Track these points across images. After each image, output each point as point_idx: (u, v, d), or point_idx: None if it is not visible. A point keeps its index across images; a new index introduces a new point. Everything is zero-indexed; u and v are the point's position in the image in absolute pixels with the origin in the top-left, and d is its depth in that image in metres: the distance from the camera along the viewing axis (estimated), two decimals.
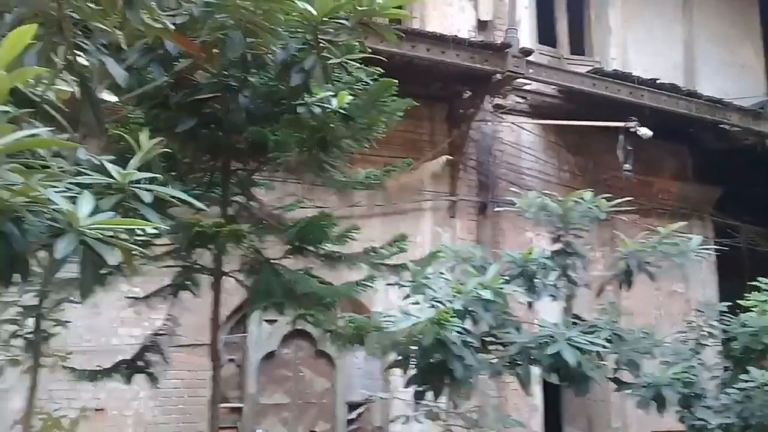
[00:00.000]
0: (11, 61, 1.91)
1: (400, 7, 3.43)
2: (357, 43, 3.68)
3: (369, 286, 4.45)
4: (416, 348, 4.00)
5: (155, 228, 2.24)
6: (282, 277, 4.09)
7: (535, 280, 4.71)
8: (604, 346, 4.31)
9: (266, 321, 7.06)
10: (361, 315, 4.73)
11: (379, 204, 7.56)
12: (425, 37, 7.29)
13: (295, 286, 4.09)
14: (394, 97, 4.07)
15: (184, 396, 6.51)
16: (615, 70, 9.01)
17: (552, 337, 4.24)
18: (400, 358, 4.18)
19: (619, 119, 8.08)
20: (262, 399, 7.16)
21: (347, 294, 4.43)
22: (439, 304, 4.08)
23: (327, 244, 4.30)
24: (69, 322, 3.82)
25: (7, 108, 1.95)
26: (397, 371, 4.29)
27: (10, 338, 3.69)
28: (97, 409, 6.01)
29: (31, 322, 3.54)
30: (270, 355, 7.22)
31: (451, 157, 7.96)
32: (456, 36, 7.66)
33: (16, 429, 4.63)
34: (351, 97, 3.77)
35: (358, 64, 3.72)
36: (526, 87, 8.59)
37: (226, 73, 3.65)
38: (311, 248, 4.27)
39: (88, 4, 2.49)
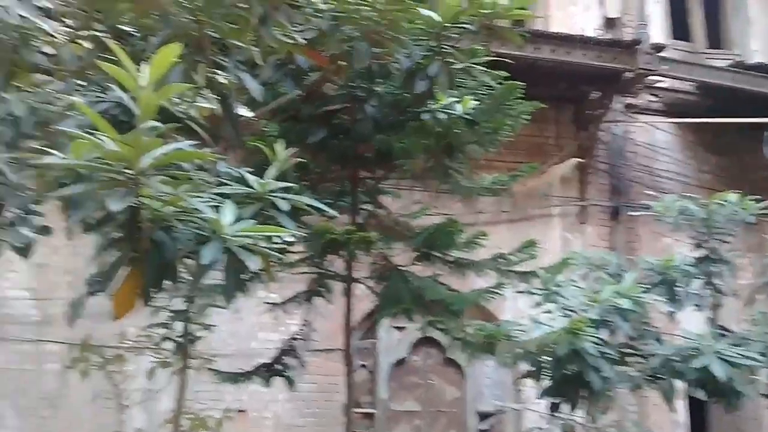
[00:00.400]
0: (158, 79, 2.06)
1: (523, 9, 3.39)
2: (481, 48, 3.66)
3: (497, 293, 4.39)
4: (549, 358, 3.91)
5: (292, 235, 2.32)
6: (410, 283, 4.12)
7: (677, 289, 4.47)
8: (756, 360, 4.00)
9: (395, 327, 7.13)
10: (489, 323, 4.68)
11: (505, 210, 7.44)
12: (549, 37, 7.12)
13: (423, 292, 4.10)
14: (520, 100, 4.00)
15: (319, 400, 6.69)
16: (758, 62, 8.37)
17: (698, 349, 4.00)
18: (532, 368, 4.10)
19: (765, 115, 7.49)
20: (393, 405, 7.23)
21: (475, 301, 4.39)
22: (572, 313, 3.97)
23: (454, 251, 4.28)
24: (214, 326, 4.04)
25: (156, 123, 2.10)
26: (529, 382, 4.20)
27: (161, 341, 3.96)
28: (239, 411, 6.29)
29: (179, 325, 3.78)
30: (400, 362, 7.27)
31: (581, 160, 7.71)
32: (581, 35, 7.44)
33: (166, 428, 4.94)
34: (476, 102, 3.74)
35: (483, 68, 3.70)
36: (660, 84, 8.16)
37: (352, 84, 3.74)
38: (438, 255, 4.27)
39: (226, 23, 2.64)
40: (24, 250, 2.93)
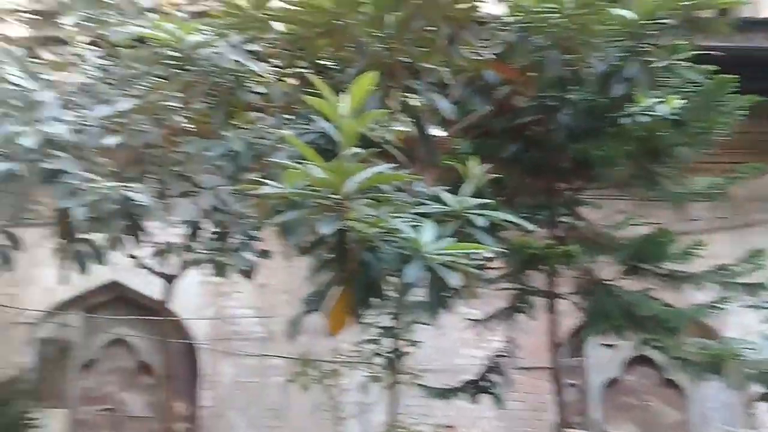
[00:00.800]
0: (357, 108, 2.18)
1: None
2: (684, 42, 3.43)
3: (721, 308, 4.03)
4: None
5: (490, 251, 2.32)
6: (619, 298, 3.91)
7: None
8: None
9: (604, 345, 6.79)
10: (711, 340, 4.30)
11: (723, 216, 6.81)
12: (762, 24, 6.46)
13: (634, 308, 3.88)
14: (734, 95, 3.67)
15: (527, 418, 6.54)
16: None
17: None
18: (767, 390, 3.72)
19: None
20: (607, 427, 6.88)
21: (696, 317, 4.06)
22: None
23: (667, 263, 4.01)
24: (420, 342, 4.13)
25: (357, 150, 2.22)
26: (764, 405, 3.80)
27: (371, 357, 4.14)
28: (448, 426, 6.35)
29: (388, 341, 3.92)
30: (612, 382, 6.92)
31: None
32: None
33: None
34: (682, 101, 3.51)
35: (688, 64, 3.45)
36: None
37: (543, 94, 3.67)
38: (649, 267, 4.02)
39: (416, 47, 2.73)
40: (248, 273, 3.27)
